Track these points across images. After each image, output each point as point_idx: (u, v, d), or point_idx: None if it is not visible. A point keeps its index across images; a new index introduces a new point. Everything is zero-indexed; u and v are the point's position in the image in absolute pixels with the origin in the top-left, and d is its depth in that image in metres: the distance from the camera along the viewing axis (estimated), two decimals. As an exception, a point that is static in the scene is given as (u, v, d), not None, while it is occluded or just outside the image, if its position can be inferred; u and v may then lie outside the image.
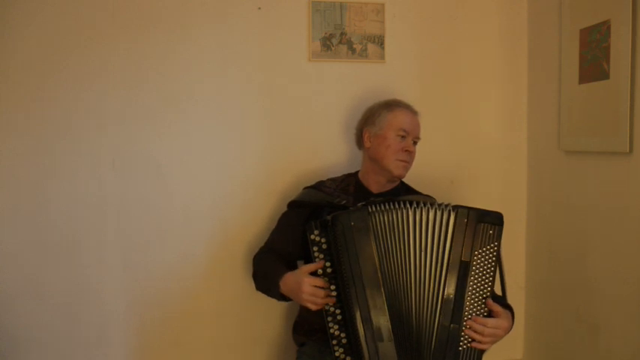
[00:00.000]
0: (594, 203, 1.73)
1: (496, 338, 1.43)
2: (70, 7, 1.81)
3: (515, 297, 2.07)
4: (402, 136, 1.68)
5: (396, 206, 1.44)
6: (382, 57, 1.99)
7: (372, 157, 1.72)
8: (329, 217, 1.42)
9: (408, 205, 1.43)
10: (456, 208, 1.42)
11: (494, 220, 1.40)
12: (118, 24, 1.84)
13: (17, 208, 1.82)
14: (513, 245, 2.09)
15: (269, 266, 1.66)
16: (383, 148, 1.68)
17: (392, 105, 1.74)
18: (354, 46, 1.97)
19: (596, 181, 1.72)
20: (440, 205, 1.44)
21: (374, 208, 1.44)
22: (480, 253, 1.40)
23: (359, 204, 1.48)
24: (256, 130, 1.94)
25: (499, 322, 1.42)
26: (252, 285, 1.85)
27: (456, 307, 1.39)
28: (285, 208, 1.78)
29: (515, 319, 1.90)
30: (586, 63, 1.72)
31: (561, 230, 1.89)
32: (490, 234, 1.40)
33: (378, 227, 1.43)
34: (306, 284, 1.44)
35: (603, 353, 1.70)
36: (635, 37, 1.53)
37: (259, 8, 1.92)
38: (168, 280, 1.91)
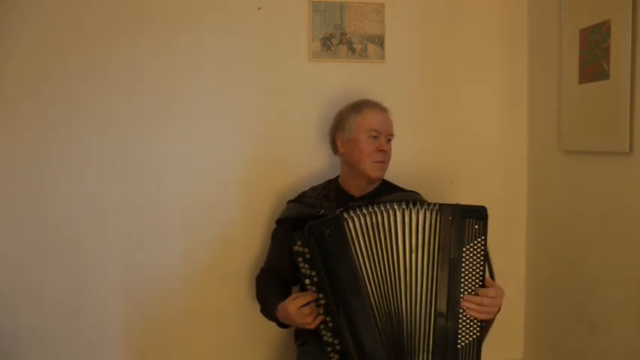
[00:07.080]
0: (594, 203, 1.73)
1: (496, 307, 1.40)
2: (70, 7, 1.82)
3: (516, 297, 2.08)
4: (374, 137, 1.66)
5: (375, 209, 1.41)
6: (382, 57, 1.99)
7: (347, 162, 1.71)
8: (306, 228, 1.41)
9: (395, 206, 1.41)
10: (441, 206, 1.41)
11: (478, 215, 1.40)
12: (117, 24, 1.84)
13: (17, 209, 1.82)
14: (513, 245, 2.09)
15: (267, 297, 1.67)
16: (357, 152, 1.66)
17: (359, 106, 1.71)
18: (354, 46, 1.97)
19: (596, 181, 1.72)
20: (429, 204, 1.42)
21: (350, 214, 1.41)
22: (468, 249, 1.39)
23: (337, 211, 1.45)
24: (256, 130, 1.94)
25: (497, 290, 1.40)
26: (253, 285, 1.85)
27: (450, 304, 1.38)
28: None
29: (515, 319, 1.89)
30: (586, 63, 1.72)
31: (561, 230, 1.89)
32: (476, 229, 1.39)
33: (357, 232, 1.40)
34: (292, 309, 1.44)
35: (603, 353, 1.70)
36: (635, 37, 1.53)
37: (259, 8, 1.92)
38: (168, 281, 1.91)
